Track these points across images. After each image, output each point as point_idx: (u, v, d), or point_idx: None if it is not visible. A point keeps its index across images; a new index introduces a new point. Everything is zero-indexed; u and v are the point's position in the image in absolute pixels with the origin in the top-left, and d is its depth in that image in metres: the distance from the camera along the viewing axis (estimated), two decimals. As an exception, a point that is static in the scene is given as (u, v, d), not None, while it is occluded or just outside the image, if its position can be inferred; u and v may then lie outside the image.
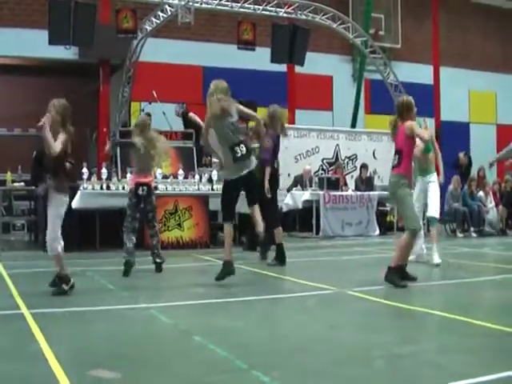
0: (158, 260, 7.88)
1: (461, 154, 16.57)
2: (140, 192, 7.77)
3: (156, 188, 10.61)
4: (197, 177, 11.40)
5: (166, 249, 8.52)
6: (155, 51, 15.63)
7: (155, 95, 12.83)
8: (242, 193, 6.97)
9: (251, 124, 15.13)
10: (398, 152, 6.77)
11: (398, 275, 6.58)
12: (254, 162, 6.92)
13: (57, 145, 5.84)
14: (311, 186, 14.30)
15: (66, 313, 5.35)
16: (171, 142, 12.48)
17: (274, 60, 14.53)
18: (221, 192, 7.22)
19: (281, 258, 8.59)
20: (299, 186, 14.34)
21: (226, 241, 6.80)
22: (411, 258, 7.62)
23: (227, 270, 6.69)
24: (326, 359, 3.89)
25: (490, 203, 14.98)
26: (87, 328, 4.77)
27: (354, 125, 18.65)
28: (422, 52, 20.69)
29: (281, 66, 16.31)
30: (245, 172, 6.75)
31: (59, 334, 4.54)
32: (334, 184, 14.14)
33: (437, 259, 8.49)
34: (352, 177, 15.90)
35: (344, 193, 14.13)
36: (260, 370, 3.54)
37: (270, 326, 4.94)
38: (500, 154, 8.37)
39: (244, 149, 6.71)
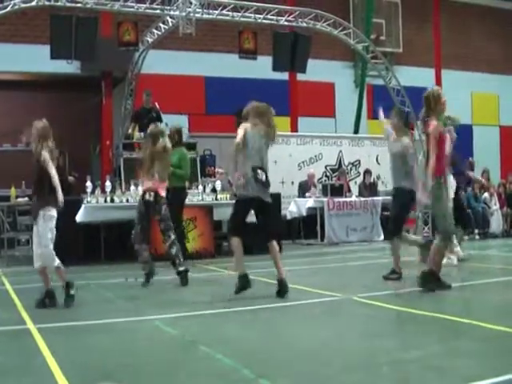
0: (180, 269, 7.65)
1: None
2: (147, 197, 7.66)
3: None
4: (200, 187, 11.39)
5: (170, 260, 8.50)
6: (157, 63, 15.66)
7: (158, 107, 12.85)
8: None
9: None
10: None
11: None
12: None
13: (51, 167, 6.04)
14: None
15: (71, 326, 5.36)
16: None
17: (275, 68, 14.52)
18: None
19: None
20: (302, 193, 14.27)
21: (236, 254, 6.52)
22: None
23: (242, 283, 6.48)
24: (334, 367, 3.88)
25: (495, 205, 14.94)
26: (93, 341, 4.77)
27: (356, 131, 18.63)
28: (424, 55, 20.68)
29: (283, 74, 16.30)
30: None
31: (65, 348, 4.53)
32: (338, 190, 14.14)
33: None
34: (356, 183, 15.89)
35: (348, 199, 14.12)
36: (267, 379, 3.54)
37: (276, 335, 4.93)
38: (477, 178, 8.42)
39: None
